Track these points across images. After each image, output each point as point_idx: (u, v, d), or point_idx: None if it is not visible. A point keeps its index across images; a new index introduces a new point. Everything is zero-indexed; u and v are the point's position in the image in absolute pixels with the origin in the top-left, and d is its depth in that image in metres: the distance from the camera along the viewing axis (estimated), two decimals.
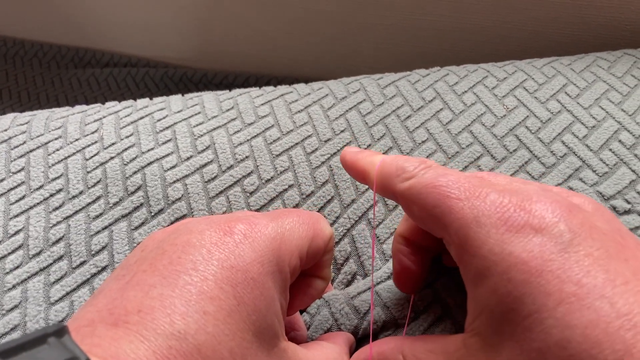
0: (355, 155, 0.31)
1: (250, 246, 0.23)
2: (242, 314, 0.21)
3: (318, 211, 0.38)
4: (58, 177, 0.40)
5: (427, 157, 0.41)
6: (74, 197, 0.39)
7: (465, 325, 0.24)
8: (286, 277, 0.25)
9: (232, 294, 0.21)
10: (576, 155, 0.40)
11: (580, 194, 0.26)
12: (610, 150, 0.40)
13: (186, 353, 0.19)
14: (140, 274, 0.22)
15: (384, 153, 0.41)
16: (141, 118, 0.45)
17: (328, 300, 0.33)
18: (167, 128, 0.44)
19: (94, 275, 0.36)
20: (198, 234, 0.23)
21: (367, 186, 0.39)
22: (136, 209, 0.38)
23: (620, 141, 0.41)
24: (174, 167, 0.40)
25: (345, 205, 0.38)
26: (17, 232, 0.38)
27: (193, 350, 0.19)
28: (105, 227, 0.38)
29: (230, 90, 0.49)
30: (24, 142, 0.43)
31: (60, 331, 0.17)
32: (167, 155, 0.41)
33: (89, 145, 0.42)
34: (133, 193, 0.39)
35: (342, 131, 0.43)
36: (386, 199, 0.39)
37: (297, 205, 0.38)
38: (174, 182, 0.39)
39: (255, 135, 0.43)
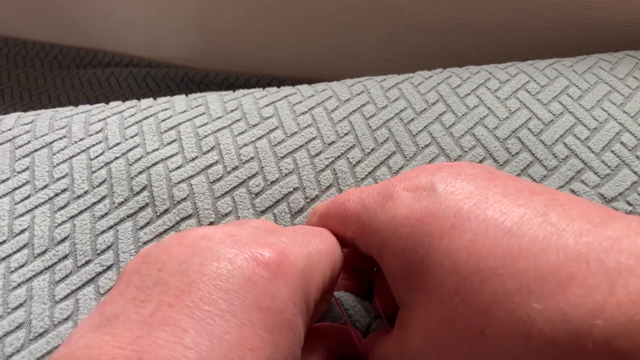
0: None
1: (284, 283, 0.22)
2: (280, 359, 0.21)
3: None
4: (63, 177, 0.41)
5: (430, 161, 0.41)
6: (79, 196, 0.39)
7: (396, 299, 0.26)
8: (310, 312, 0.24)
9: (269, 341, 0.20)
10: (578, 157, 0.40)
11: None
12: (612, 152, 0.40)
13: None
14: (167, 309, 0.20)
15: (387, 158, 0.41)
16: (145, 118, 0.45)
17: (339, 297, 0.33)
18: (171, 128, 0.44)
19: (99, 274, 0.36)
20: (228, 262, 0.22)
21: None
22: (141, 208, 0.39)
23: (622, 143, 0.41)
24: (179, 167, 0.41)
25: None
26: (22, 231, 0.38)
27: None
28: (111, 227, 0.38)
29: (233, 91, 0.49)
30: (28, 142, 0.43)
31: None
32: (172, 155, 0.41)
33: (93, 145, 0.43)
34: (138, 193, 0.39)
35: (345, 134, 0.43)
36: None
37: (301, 209, 0.39)
38: (179, 182, 0.40)
39: (260, 137, 0.43)
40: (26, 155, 0.42)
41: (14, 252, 0.37)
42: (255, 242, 0.23)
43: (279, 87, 0.50)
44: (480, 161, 0.41)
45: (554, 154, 0.41)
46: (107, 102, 0.49)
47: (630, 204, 0.37)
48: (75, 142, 0.43)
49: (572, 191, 0.38)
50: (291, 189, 0.40)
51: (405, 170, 0.41)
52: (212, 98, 0.47)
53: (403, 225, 0.24)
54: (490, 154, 0.41)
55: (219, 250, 0.22)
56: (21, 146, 0.43)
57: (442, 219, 0.22)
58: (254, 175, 0.40)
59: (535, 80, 0.47)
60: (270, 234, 0.25)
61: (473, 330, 0.20)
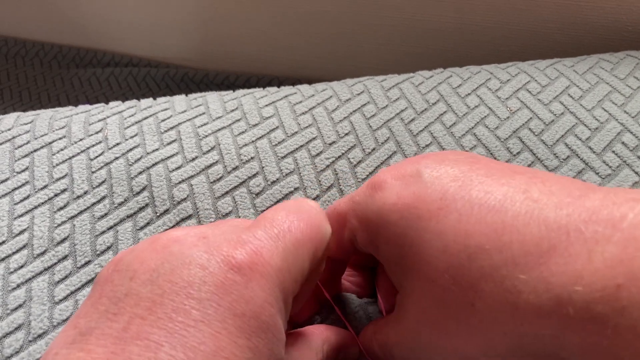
0: None
1: (258, 285, 0.21)
2: None
3: None
4: (62, 177, 0.40)
5: None
6: (78, 197, 0.39)
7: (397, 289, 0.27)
8: (289, 307, 0.24)
9: (246, 347, 0.20)
10: (579, 157, 0.40)
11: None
12: (614, 152, 0.40)
13: None
14: (139, 322, 0.19)
15: (388, 158, 0.41)
16: (145, 118, 0.45)
17: (342, 299, 0.33)
18: (171, 128, 0.44)
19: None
20: (200, 268, 0.21)
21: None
22: (141, 209, 0.39)
23: (623, 143, 0.41)
24: (179, 167, 0.40)
25: None
26: (21, 232, 0.38)
27: None
28: (111, 227, 0.38)
29: (233, 91, 0.49)
30: (28, 142, 0.43)
31: None
32: (172, 155, 0.41)
33: (93, 145, 0.42)
34: (138, 193, 0.39)
35: (346, 134, 0.43)
36: None
37: None
38: (180, 182, 0.40)
39: (260, 137, 0.43)
40: (26, 156, 0.42)
41: (14, 253, 0.37)
42: (228, 242, 0.22)
43: (279, 87, 0.50)
44: None
45: (555, 154, 0.41)
46: (106, 102, 0.49)
47: None
48: (75, 142, 0.43)
49: None
50: (292, 189, 0.39)
51: None
52: (212, 98, 0.47)
53: (392, 211, 0.25)
54: (491, 153, 0.41)
55: (191, 255, 0.22)
56: (21, 146, 0.43)
57: (430, 202, 0.23)
58: (254, 175, 0.40)
59: (536, 80, 0.47)
60: (246, 231, 0.24)
61: (463, 304, 0.21)
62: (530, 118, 0.44)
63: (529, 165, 0.40)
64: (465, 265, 0.21)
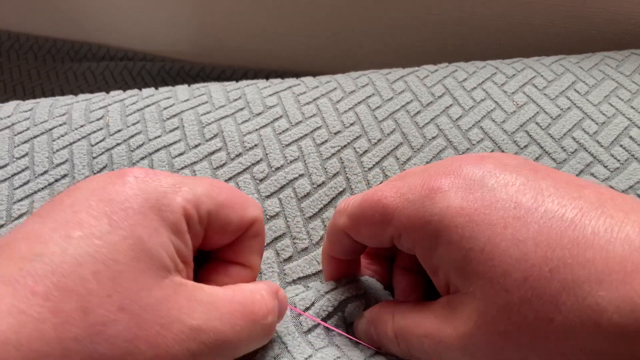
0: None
1: (138, 187, 0.24)
2: (115, 238, 0.22)
3: (329, 202, 0.38)
4: (63, 163, 0.40)
5: (438, 153, 0.41)
6: None
7: (441, 291, 0.26)
8: (178, 218, 0.24)
9: (106, 222, 0.22)
10: (587, 151, 0.40)
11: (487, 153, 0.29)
12: (621, 146, 0.40)
13: (38, 273, 0.20)
14: (30, 222, 0.23)
15: (394, 149, 0.41)
16: (147, 106, 0.44)
17: (365, 280, 0.32)
18: (174, 116, 0.43)
19: None
20: (91, 180, 0.24)
21: (379, 180, 0.39)
22: None
23: (630, 137, 0.41)
24: (182, 154, 0.40)
25: None
26: (20, 216, 0.37)
27: (47, 271, 0.20)
28: None
29: (236, 82, 0.49)
30: (28, 129, 0.42)
31: None
32: (175, 142, 0.41)
33: (94, 132, 0.42)
34: None
35: (351, 124, 0.43)
36: None
37: (308, 194, 0.38)
38: (182, 168, 0.39)
39: (264, 125, 0.42)
40: (25, 142, 0.41)
41: None
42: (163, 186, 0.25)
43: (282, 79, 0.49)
44: None
45: (562, 148, 0.40)
46: None
47: None
48: (76, 129, 0.42)
49: None
50: (296, 175, 0.39)
51: (413, 160, 0.40)
52: (215, 87, 0.47)
53: (459, 214, 0.24)
54: (498, 146, 0.41)
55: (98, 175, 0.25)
56: (20, 132, 0.42)
57: (502, 209, 0.23)
58: (258, 162, 0.39)
59: (542, 76, 0.47)
60: (170, 176, 0.26)
61: (541, 317, 0.21)
62: (537, 112, 0.43)
63: (537, 159, 0.40)
64: (547, 277, 0.20)
